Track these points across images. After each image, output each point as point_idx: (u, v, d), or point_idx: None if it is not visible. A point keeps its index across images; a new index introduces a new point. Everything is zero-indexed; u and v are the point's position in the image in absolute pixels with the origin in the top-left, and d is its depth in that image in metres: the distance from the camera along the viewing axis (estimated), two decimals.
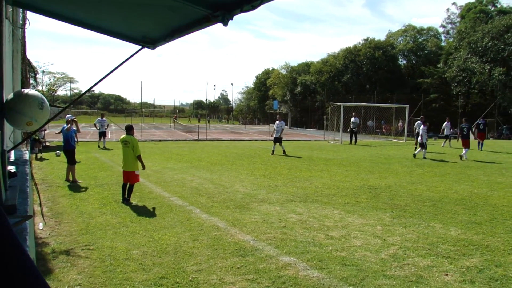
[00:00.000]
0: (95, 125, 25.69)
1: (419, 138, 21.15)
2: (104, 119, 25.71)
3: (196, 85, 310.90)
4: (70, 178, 12.62)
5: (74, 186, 11.99)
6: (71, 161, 12.73)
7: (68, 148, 12.91)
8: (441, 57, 57.76)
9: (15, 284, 0.82)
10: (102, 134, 24.77)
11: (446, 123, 27.85)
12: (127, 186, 10.19)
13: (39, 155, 18.58)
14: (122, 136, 10.58)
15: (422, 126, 20.72)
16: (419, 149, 20.69)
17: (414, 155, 20.53)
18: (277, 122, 22.23)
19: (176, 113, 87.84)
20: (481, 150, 24.72)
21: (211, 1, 2.55)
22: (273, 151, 21.95)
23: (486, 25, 50.18)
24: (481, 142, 25.78)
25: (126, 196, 10.11)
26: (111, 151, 22.06)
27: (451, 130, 28.34)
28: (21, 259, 0.87)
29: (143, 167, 10.37)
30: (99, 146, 24.30)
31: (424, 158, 19.92)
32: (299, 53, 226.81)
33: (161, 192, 11.06)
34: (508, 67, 45.45)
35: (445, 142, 28.08)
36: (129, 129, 10.59)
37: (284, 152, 21.53)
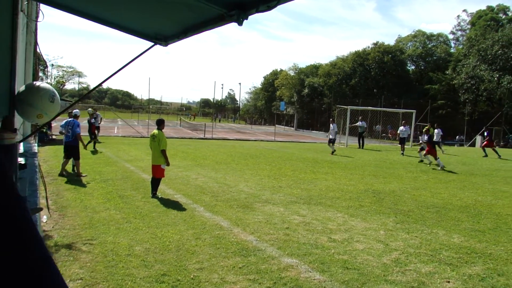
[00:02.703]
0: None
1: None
2: (98, 113, 26.24)
3: (203, 84, 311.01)
4: (71, 171, 12.62)
5: (79, 180, 12.04)
6: (76, 156, 12.78)
7: (74, 143, 12.82)
8: (450, 63, 57.66)
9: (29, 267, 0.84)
10: (96, 129, 25.30)
11: (436, 130, 27.80)
12: (153, 180, 10.40)
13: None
14: (153, 131, 10.73)
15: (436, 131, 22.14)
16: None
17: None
18: (331, 125, 24.74)
19: (189, 110, 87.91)
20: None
21: (228, 0, 2.55)
22: (332, 151, 23.79)
23: (497, 33, 50.04)
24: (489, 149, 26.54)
25: (152, 190, 10.31)
26: (116, 147, 22.11)
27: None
28: (38, 246, 0.89)
29: (167, 163, 10.41)
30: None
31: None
32: (308, 55, 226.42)
33: (166, 189, 11.08)
34: None
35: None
36: (159, 124, 10.75)
37: (333, 152, 23.76)
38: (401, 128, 26.53)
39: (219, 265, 5.85)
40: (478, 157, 25.43)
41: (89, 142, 20.41)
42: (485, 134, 28.42)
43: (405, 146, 26.28)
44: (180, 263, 5.88)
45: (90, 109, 14.26)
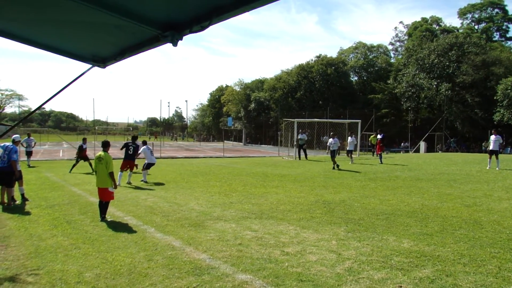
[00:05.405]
0: (22, 144, 25.71)
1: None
2: (31, 138, 26.35)
3: (150, 102, 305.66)
4: (6, 200, 12.03)
5: (22, 208, 11.56)
6: (9, 183, 12.03)
7: (8, 169, 11.97)
8: (390, 73, 59.71)
9: None
10: (29, 153, 25.57)
11: (350, 138, 27.37)
12: (102, 203, 10.09)
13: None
14: (98, 153, 10.41)
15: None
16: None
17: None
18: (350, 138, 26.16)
19: (136, 129, 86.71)
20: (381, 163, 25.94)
21: (161, 22, 2.57)
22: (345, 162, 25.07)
23: (432, 43, 52.38)
24: (378, 154, 26.99)
25: (101, 213, 10.02)
26: (62, 170, 21.49)
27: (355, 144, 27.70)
28: None
29: (115, 186, 10.16)
30: (29, 166, 24.63)
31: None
32: (252, 70, 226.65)
33: (115, 212, 10.82)
34: (453, 83, 47.48)
35: (351, 156, 27.41)
36: (105, 146, 10.51)
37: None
38: (330, 140, 23.85)
39: (172, 286, 5.74)
40: (423, 162, 26.22)
41: (75, 164, 21.67)
42: (379, 136, 27.38)
43: (335, 159, 23.53)
44: (132, 287, 5.74)
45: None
